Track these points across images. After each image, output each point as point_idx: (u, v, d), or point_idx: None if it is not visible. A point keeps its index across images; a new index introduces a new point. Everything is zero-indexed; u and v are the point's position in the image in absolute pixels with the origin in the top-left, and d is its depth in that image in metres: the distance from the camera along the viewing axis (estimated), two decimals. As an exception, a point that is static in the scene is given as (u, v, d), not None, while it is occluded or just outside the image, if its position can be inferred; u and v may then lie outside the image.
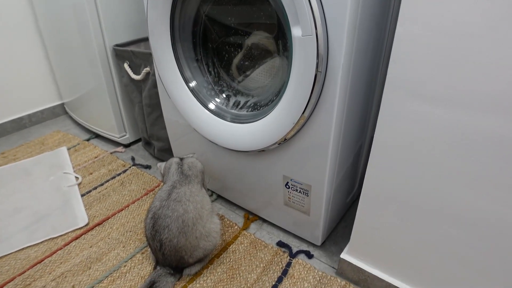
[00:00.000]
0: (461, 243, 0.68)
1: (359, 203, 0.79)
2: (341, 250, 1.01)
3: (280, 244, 1.02)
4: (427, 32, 0.56)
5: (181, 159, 0.98)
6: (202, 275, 0.92)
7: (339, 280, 0.90)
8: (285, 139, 0.83)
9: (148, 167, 1.44)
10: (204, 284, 0.90)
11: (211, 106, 1.00)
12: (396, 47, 0.60)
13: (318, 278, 0.91)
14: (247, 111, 0.95)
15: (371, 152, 0.72)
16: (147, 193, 1.27)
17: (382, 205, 0.76)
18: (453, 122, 0.59)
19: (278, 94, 0.87)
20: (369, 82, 0.86)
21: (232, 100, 1.00)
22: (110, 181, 1.36)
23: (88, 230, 1.11)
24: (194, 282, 0.90)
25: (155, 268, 0.88)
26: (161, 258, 0.85)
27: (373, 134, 0.70)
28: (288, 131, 0.80)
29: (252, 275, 0.92)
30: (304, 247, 1.02)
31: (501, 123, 0.54)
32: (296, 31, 0.69)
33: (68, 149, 1.60)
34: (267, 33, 0.87)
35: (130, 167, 1.44)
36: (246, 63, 0.95)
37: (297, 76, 0.73)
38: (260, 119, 0.87)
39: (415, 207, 0.71)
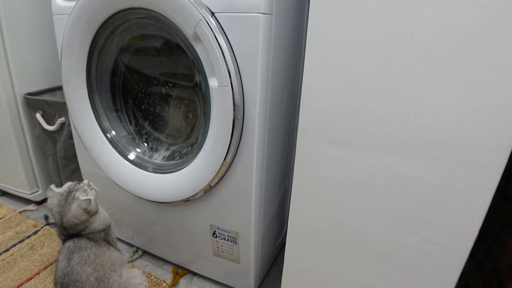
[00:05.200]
0: (382, 275, 0.71)
1: (286, 247, 0.80)
2: (275, 296, 0.99)
3: (212, 297, 0.96)
4: (328, 83, 0.62)
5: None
6: None
7: (273, 330, 0.87)
8: (210, 186, 0.82)
9: (64, 225, 1.30)
10: None
11: (132, 156, 0.96)
12: (304, 97, 0.65)
13: (252, 331, 0.87)
14: (169, 161, 0.93)
15: (291, 195, 0.74)
16: (62, 256, 1.14)
17: (307, 246, 0.77)
18: (359, 162, 0.64)
19: (200, 143, 0.87)
20: (288, 128, 0.91)
21: (154, 150, 0.97)
22: (17, 246, 1.19)
23: (-16, 309, 0.94)
24: None
25: None
26: (82, 327, 0.75)
27: (293, 177, 0.73)
28: (211, 179, 0.80)
29: (182, 337, 0.85)
30: (237, 298, 0.98)
31: (399, 162, 0.61)
32: (213, 82, 0.71)
33: (-35, 211, 1.38)
34: (187, 83, 0.89)
35: (42, 227, 1.29)
36: (168, 113, 0.95)
37: (216, 125, 0.74)
38: (182, 168, 0.85)
39: (338, 246, 0.73)
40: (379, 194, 0.65)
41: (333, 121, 0.64)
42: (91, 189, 0.82)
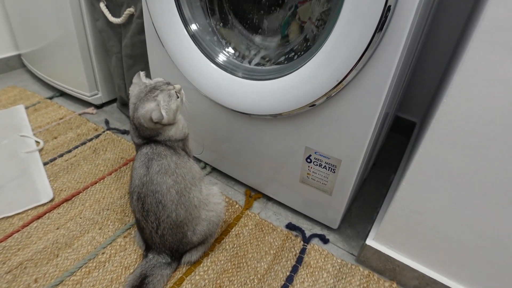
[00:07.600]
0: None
1: (403, 183, 0.66)
2: (358, 234, 0.88)
3: (291, 226, 0.87)
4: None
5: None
6: (201, 265, 0.76)
7: (361, 269, 0.78)
8: (314, 104, 0.66)
9: (125, 132, 1.23)
10: (205, 276, 0.74)
11: (216, 56, 0.80)
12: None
13: (337, 267, 0.78)
14: (264, 66, 0.77)
15: (433, 121, 0.57)
16: (126, 163, 1.07)
17: (432, 185, 0.63)
18: None
19: (311, 49, 0.69)
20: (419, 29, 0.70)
21: (244, 51, 0.81)
22: (79, 148, 1.14)
23: (54, 208, 0.90)
24: (193, 273, 0.74)
25: (145, 256, 0.71)
26: (158, 241, 0.68)
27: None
28: (319, 97, 0.64)
29: (262, 263, 0.77)
30: (317, 230, 0.88)
31: None
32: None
33: (26, 108, 1.34)
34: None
35: (103, 131, 1.22)
36: (267, 8, 0.76)
37: (349, 17, 0.56)
38: (282, 76, 0.69)
39: (474, 189, 0.58)
40: None
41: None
42: (178, 98, 0.69)
